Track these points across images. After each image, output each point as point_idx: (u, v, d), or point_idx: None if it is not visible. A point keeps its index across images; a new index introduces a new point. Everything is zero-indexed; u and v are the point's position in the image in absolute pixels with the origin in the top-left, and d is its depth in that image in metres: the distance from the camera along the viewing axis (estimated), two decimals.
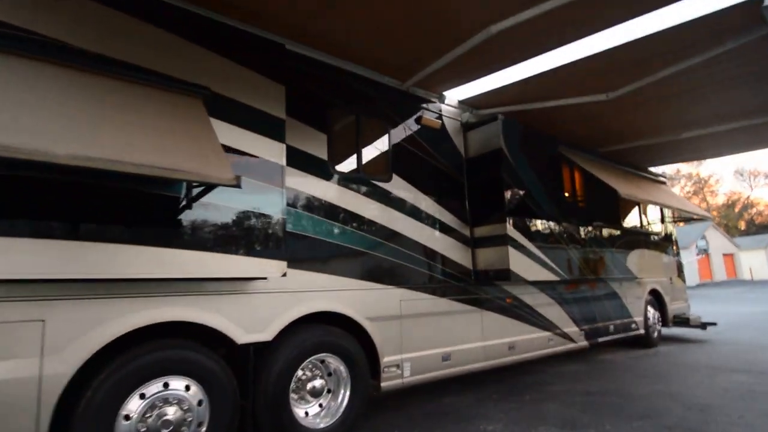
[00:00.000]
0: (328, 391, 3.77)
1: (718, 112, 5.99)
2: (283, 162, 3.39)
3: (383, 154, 4.55)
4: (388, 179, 4.46)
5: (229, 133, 3.12)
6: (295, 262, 3.56)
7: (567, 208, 5.97)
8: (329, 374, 3.78)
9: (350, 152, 4.32)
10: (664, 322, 8.41)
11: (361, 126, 4.39)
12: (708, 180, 57.05)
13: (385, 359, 4.10)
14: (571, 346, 6.13)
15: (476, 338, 4.93)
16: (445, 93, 5.21)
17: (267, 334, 3.32)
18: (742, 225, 53.88)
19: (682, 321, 8.74)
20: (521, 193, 5.21)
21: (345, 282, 3.92)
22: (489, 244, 5.00)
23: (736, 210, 55.46)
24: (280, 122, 3.42)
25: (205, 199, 2.90)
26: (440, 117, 5.09)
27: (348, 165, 4.30)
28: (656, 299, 8.29)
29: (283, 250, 3.26)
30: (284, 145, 3.42)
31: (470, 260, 5.06)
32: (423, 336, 4.45)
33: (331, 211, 3.94)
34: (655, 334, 8.10)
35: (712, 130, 6.48)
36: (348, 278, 3.95)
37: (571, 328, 6.16)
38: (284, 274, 3.23)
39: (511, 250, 4.88)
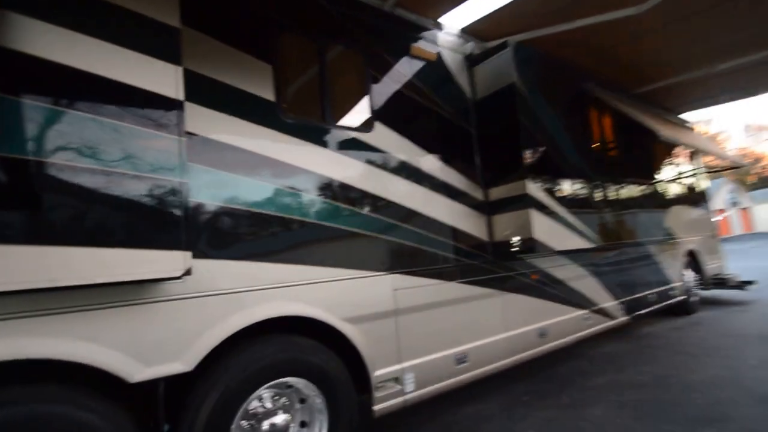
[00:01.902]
0: (302, 425, 2.63)
1: (759, 32, 4.66)
2: (178, 95, 2.13)
3: (360, 96, 3.28)
4: (368, 128, 3.22)
5: (71, 47, 1.86)
6: (221, 250, 2.40)
7: (597, 160, 4.69)
8: (301, 401, 2.64)
9: (312, 92, 3.07)
10: (703, 284, 7.23)
11: (327, 57, 3.11)
12: (718, 137, 54.77)
13: (378, 372, 2.95)
14: (610, 323, 4.96)
15: (498, 329, 3.77)
16: (441, 20, 3.90)
17: (184, 363, 2.15)
18: (754, 179, 52.17)
19: (720, 282, 7.56)
20: (543, 141, 3.93)
21: (309, 272, 2.73)
22: (507, 208, 3.77)
23: (731, 170, 53.41)
24: (168, 32, 2.14)
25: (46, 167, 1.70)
26: (437, 50, 3.80)
27: (309, 109, 3.06)
28: (693, 260, 7.07)
29: (181, 233, 2.05)
30: (179, 69, 2.16)
31: (485, 230, 3.84)
32: (429, 334, 3.29)
33: (281, 172, 2.72)
34: (695, 298, 6.93)
35: (752, 58, 5.14)
36: (314, 267, 2.76)
37: (609, 303, 4.97)
38: (188, 272, 2.03)
39: (534, 214, 3.65)
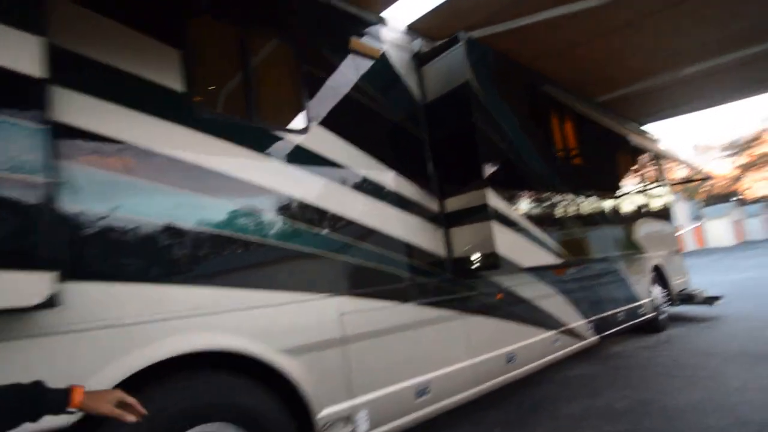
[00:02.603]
0: None
1: (727, 33, 4.67)
2: (39, 73, 1.67)
3: (294, 93, 2.91)
4: (303, 129, 2.83)
5: None
6: (113, 271, 1.93)
7: (560, 168, 4.46)
8: None
9: (234, 85, 2.68)
10: (669, 301, 7.11)
11: (252, 46, 2.74)
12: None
13: (325, 412, 2.47)
14: (580, 344, 4.65)
15: (462, 355, 3.35)
16: (385, 15, 3.63)
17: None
18: (703, 196, 55.16)
19: (687, 298, 7.48)
20: (502, 145, 3.65)
21: (234, 296, 2.26)
22: (466, 220, 3.43)
23: (695, 184, 56.52)
24: None
25: None
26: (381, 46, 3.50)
27: (229, 104, 2.66)
28: (659, 276, 6.96)
29: (44, 249, 1.58)
30: (41, 42, 1.71)
31: (443, 245, 3.47)
32: (384, 365, 2.84)
33: (192, 175, 2.26)
34: (664, 315, 6.78)
35: (718, 61, 5.17)
36: (240, 290, 2.29)
37: (579, 322, 4.67)
38: (53, 299, 1.55)
39: (496, 227, 3.32)
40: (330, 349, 2.57)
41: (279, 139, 2.68)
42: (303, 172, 2.73)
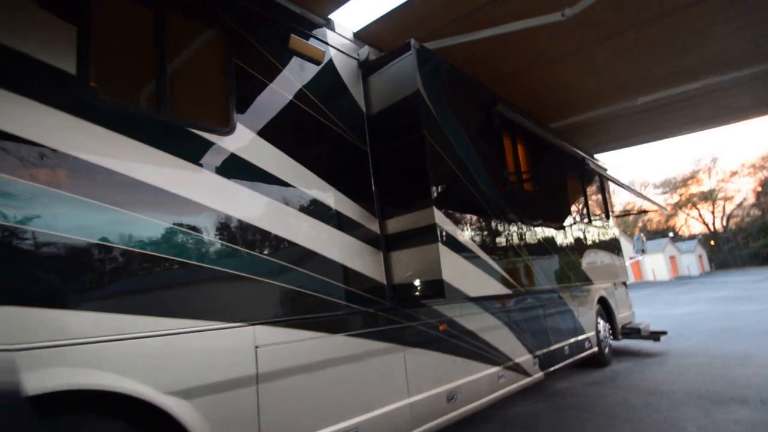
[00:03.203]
0: None
1: (672, 67, 4.80)
2: None
3: (218, 88, 2.56)
4: (227, 129, 2.47)
5: None
6: None
7: (511, 193, 4.31)
8: None
9: (143, 72, 2.29)
10: (614, 334, 7.11)
11: (170, 30, 2.38)
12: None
13: None
14: (525, 381, 4.41)
15: (399, 393, 3.00)
16: (332, 18, 3.37)
17: None
18: (636, 231, 58.47)
19: (632, 332, 7.50)
20: (451, 163, 3.43)
21: (114, 323, 1.81)
22: (409, 242, 3.14)
23: (630, 218, 59.93)
24: None
25: None
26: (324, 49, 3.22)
27: (135, 93, 2.27)
28: (604, 309, 6.96)
29: None
30: None
31: (382, 270, 3.15)
32: (306, 407, 2.44)
33: (77, 173, 1.85)
34: (607, 349, 6.74)
35: (676, 90, 5.29)
36: (123, 315, 1.85)
37: (524, 357, 4.44)
38: None
39: (443, 251, 3.05)
40: (239, 389, 2.15)
41: (194, 138, 2.30)
42: (222, 179, 2.36)
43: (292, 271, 2.56)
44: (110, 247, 1.87)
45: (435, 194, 3.09)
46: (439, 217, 3.06)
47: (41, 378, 1.58)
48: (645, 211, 7.67)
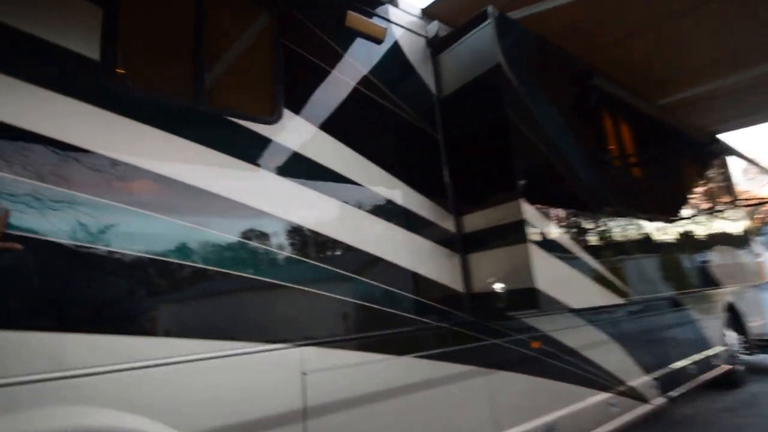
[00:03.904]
0: None
1: None
2: None
3: (263, 73, 2.21)
4: (273, 118, 2.11)
5: None
6: None
7: (615, 179, 3.52)
8: None
9: (179, 58, 2.00)
10: (748, 348, 5.81)
11: (210, 10, 2.07)
12: None
13: None
14: (642, 409, 3.58)
15: (484, 428, 2.45)
16: None
17: None
18: (757, 223, 51.08)
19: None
20: (541, 147, 2.79)
21: (132, 347, 1.50)
22: (492, 243, 2.56)
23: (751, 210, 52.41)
24: None
25: None
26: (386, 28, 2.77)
27: (169, 82, 1.98)
28: (734, 317, 5.71)
29: None
30: None
31: (459, 276, 2.62)
32: None
33: (104, 171, 1.57)
34: (740, 367, 5.50)
35: None
36: (142, 338, 1.53)
37: (640, 379, 3.61)
38: None
39: (536, 252, 2.42)
40: (282, 427, 1.76)
41: (234, 128, 1.96)
42: (263, 173, 2.00)
43: (350, 279, 2.13)
44: (124, 254, 1.56)
45: (522, 184, 2.48)
46: (529, 211, 2.44)
47: (36, 419, 1.30)
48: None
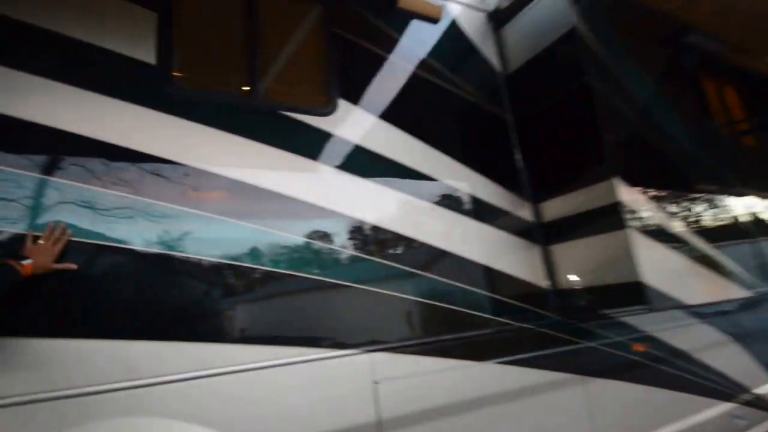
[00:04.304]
0: None
1: None
2: None
3: (314, 63, 2.09)
4: (328, 109, 1.96)
5: None
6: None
7: (728, 150, 2.97)
8: None
9: (231, 54, 1.92)
10: None
11: (261, 3, 1.98)
12: None
13: None
14: None
15: None
16: None
17: None
18: None
19: None
20: (630, 116, 2.38)
21: (183, 353, 1.40)
22: (580, 231, 2.21)
23: None
24: None
25: None
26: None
27: (223, 79, 1.90)
28: None
29: None
30: None
31: (541, 271, 2.31)
32: None
33: (166, 177, 1.52)
34: None
35: None
36: (195, 343, 1.43)
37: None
38: None
39: (638, 239, 2.03)
40: None
41: (293, 122, 1.85)
42: (326, 168, 1.86)
43: (419, 278, 1.92)
44: (175, 257, 1.48)
45: (613, 160, 2.13)
46: (625, 191, 2.08)
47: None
48: None
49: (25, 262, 1.19)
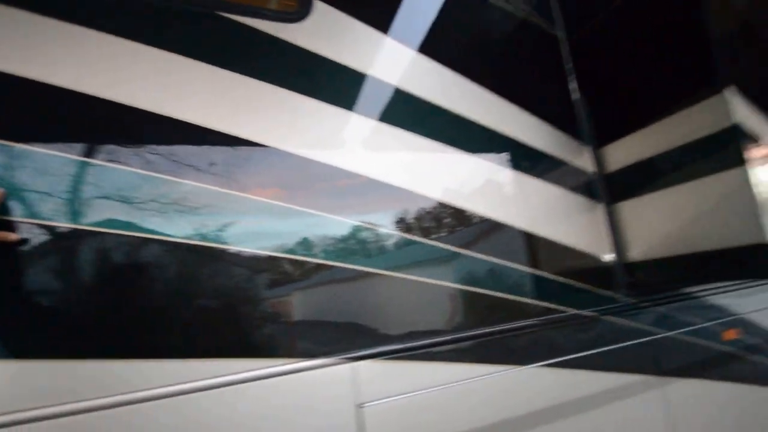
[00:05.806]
0: None
1: None
2: None
3: None
4: (297, 13, 1.34)
5: None
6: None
7: None
8: None
9: None
10: None
11: None
12: None
13: None
14: None
15: None
16: None
17: None
18: None
19: None
20: (746, 11, 1.66)
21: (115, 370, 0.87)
22: (667, 178, 1.53)
23: None
24: None
25: None
26: None
27: None
28: None
29: None
30: None
31: (605, 237, 1.67)
32: None
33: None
34: None
35: None
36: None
37: None
38: None
39: (765, 183, 1.35)
40: None
41: (247, 33, 1.24)
42: (293, 95, 1.26)
43: (440, 253, 1.32)
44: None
45: (724, 65, 1.40)
46: (744, 109, 1.37)
47: None
48: None
49: None
